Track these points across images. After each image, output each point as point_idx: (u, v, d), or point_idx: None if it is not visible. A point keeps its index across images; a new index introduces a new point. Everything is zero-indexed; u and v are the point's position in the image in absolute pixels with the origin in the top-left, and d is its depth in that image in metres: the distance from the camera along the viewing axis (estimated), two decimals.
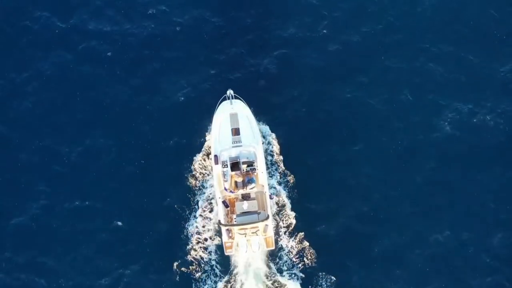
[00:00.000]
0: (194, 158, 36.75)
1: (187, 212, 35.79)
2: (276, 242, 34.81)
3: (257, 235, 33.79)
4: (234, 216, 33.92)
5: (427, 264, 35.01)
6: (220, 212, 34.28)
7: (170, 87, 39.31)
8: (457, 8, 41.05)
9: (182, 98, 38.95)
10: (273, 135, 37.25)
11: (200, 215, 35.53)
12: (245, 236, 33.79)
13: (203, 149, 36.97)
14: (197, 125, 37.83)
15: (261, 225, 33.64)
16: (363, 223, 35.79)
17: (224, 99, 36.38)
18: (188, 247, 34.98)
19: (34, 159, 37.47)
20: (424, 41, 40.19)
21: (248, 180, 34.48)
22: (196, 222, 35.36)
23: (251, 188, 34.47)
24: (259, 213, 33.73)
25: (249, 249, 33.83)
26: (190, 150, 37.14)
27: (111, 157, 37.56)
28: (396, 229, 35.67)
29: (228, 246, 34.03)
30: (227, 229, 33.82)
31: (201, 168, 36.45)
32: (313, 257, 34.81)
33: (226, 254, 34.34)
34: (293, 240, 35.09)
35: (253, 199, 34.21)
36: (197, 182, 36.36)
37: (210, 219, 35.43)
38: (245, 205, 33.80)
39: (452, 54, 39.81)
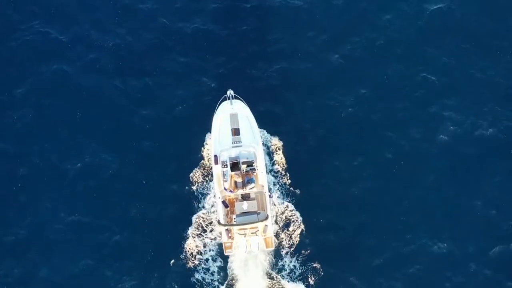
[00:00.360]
0: (191, 175, 36.41)
1: (187, 230, 35.30)
2: (279, 249, 34.66)
3: (256, 235, 33.35)
4: (234, 216, 33.54)
5: (429, 277, 34.55)
6: (219, 212, 33.76)
7: (170, 100, 39.25)
8: (458, 21, 41.29)
9: (183, 112, 38.85)
10: (280, 152, 37.11)
11: (200, 235, 34.93)
12: (245, 236, 33.26)
13: (199, 164, 36.79)
14: (198, 139, 37.61)
15: (260, 225, 33.23)
16: (365, 237, 35.40)
17: (224, 99, 36.24)
18: (188, 265, 34.54)
19: (34, 174, 37.22)
20: (425, 53, 40.30)
21: (248, 180, 34.21)
22: (194, 241, 34.77)
23: (251, 188, 34.19)
24: (258, 213, 33.46)
25: (248, 249, 33.20)
26: (190, 165, 36.82)
27: (111, 172, 37.28)
28: (399, 242, 35.28)
29: (227, 246, 33.64)
30: (227, 229, 33.32)
31: (199, 183, 36.04)
32: (316, 278, 34.36)
33: (225, 254, 33.96)
34: (296, 261, 34.57)
35: (253, 199, 33.98)
36: (199, 203, 35.95)
37: (213, 239, 34.85)
38: (245, 205, 33.54)
39: (453, 67, 39.87)
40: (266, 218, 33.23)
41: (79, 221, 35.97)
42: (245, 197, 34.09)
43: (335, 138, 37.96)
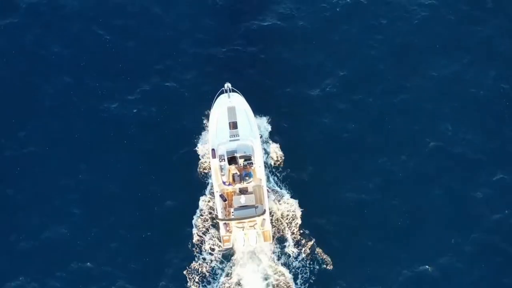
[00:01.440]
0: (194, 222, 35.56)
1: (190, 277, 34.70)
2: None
3: (254, 228, 33.34)
4: (232, 210, 33.45)
5: None
6: (217, 205, 33.76)
7: (170, 124, 38.44)
8: (457, 46, 41.29)
9: (184, 136, 37.77)
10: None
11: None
12: (243, 230, 33.24)
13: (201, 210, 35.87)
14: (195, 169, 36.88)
15: (258, 219, 33.14)
16: (368, 260, 35.09)
17: (222, 92, 36.05)
18: None
19: (29, 199, 36.69)
20: (423, 81, 40.06)
21: (246, 174, 34.22)
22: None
23: (249, 182, 34.11)
24: (256, 207, 33.36)
25: (246, 243, 33.22)
26: (188, 201, 35.98)
27: (110, 201, 36.54)
28: (400, 269, 35.02)
29: (225, 239, 33.59)
30: (225, 223, 33.22)
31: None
32: None
33: (223, 247, 33.87)
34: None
35: (251, 193, 33.93)
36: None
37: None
38: (243, 199, 33.49)
39: (452, 96, 39.60)
40: (264, 212, 33.22)
41: (76, 249, 35.47)
42: (243, 191, 34.04)
43: (333, 165, 37.37)
